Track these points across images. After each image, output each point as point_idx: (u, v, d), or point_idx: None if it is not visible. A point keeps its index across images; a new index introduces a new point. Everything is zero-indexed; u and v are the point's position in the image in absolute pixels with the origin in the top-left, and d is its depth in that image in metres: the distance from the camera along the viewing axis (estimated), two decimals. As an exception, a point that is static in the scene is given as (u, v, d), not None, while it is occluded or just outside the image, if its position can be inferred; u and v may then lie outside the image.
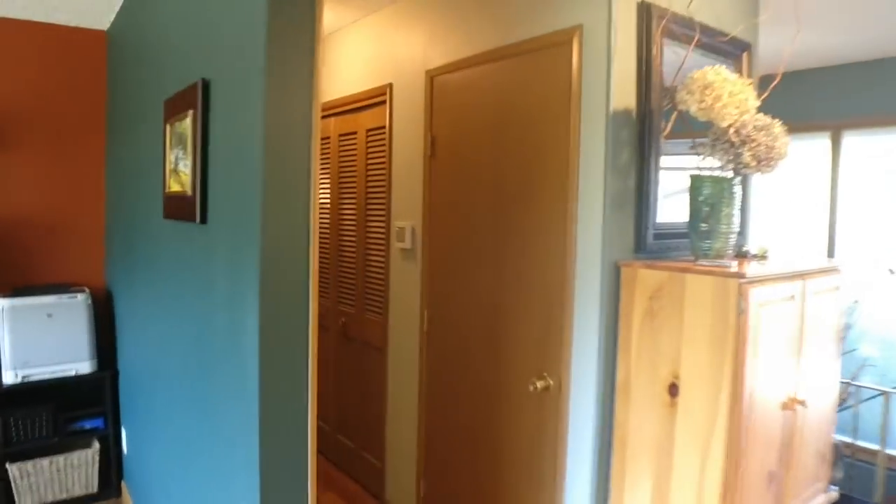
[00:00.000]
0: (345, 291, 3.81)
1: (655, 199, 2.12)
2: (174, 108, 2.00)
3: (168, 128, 2.07)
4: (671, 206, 2.20)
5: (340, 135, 3.77)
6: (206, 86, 1.78)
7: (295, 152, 1.41)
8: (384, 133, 3.29)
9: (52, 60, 3.65)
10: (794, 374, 2.03)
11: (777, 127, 1.89)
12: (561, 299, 2.20)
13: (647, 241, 2.11)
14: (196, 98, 1.77)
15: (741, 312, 1.75)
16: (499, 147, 2.48)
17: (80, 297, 3.47)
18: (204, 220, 1.79)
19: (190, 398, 2.15)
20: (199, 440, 2.07)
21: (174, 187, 2.01)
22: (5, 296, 3.33)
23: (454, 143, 2.74)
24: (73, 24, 3.69)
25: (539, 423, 2.32)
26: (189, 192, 1.84)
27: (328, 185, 3.92)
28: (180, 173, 1.92)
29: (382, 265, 3.36)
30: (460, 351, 2.73)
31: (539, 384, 2.26)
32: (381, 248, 3.38)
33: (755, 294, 1.78)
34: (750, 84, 1.86)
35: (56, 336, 3.44)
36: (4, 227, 3.59)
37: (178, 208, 1.99)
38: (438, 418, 2.90)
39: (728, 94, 1.78)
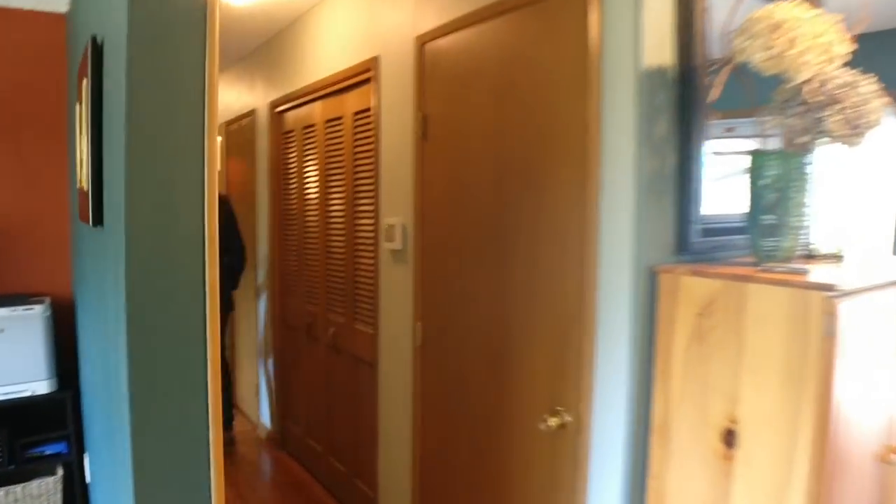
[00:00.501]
0: (334, 298, 3.36)
1: (702, 184, 1.63)
2: (79, 81, 1.55)
3: (78, 107, 1.62)
4: (722, 193, 1.72)
5: (327, 121, 3.32)
6: (97, 47, 1.32)
7: (178, 137, 0.97)
8: (372, 115, 2.83)
9: (6, 49, 3.25)
10: (892, 414, 1.54)
11: (866, 84, 1.40)
12: (580, 314, 1.73)
13: (692, 240, 1.62)
14: (87, 63, 1.32)
15: (829, 335, 1.27)
16: (502, 123, 2.01)
17: (37, 309, 3.06)
18: (99, 221, 1.34)
19: (105, 426, 1.73)
20: (111, 473, 1.66)
21: (82, 181, 1.57)
22: (-42, 308, 2.94)
23: (449, 122, 2.28)
24: (27, 6, 3.28)
25: (553, 470, 1.85)
26: (87, 186, 1.40)
27: (316, 179, 3.48)
28: (84, 164, 1.47)
29: (372, 269, 2.91)
30: (458, 373, 2.27)
31: (552, 421, 1.79)
32: (371, 249, 2.92)
33: (846, 310, 1.29)
34: (837, 22, 1.36)
35: (8, 353, 3.04)
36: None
37: (82, 207, 1.54)
38: (435, 449, 2.44)
39: (808, 35, 1.29)
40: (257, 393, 4.56)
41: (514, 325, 1.98)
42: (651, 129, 1.61)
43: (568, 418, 1.78)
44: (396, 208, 2.65)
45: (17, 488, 3.11)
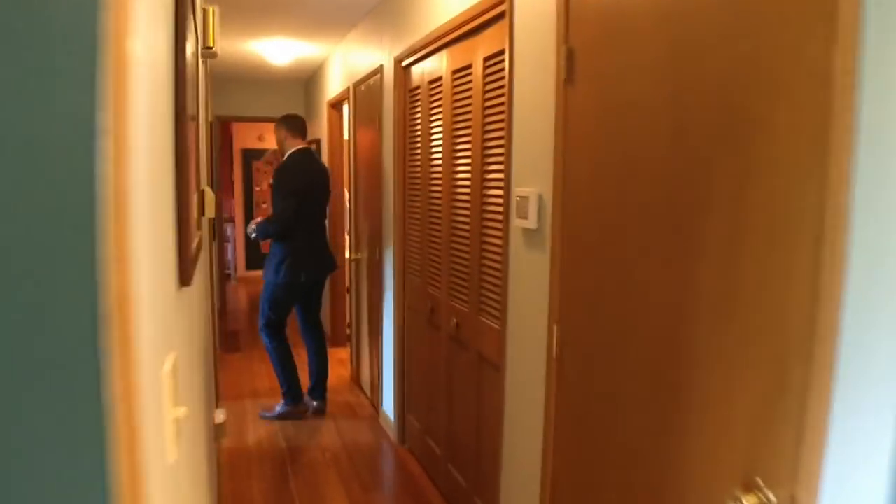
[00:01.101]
0: (458, 283, 2.87)
1: None
2: None
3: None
4: None
5: (454, 72, 2.80)
6: None
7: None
8: (505, 58, 2.27)
9: None
10: None
11: None
12: (809, 342, 1.09)
13: None
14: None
15: None
16: (682, 46, 1.38)
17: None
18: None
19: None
20: None
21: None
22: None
23: (603, 55, 1.67)
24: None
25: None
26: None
27: (440, 141, 2.98)
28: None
29: (501, 252, 2.37)
30: (607, 399, 1.69)
31: (749, 501, 1.17)
32: (500, 227, 2.39)
33: None
34: None
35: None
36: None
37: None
38: (571, 486, 1.89)
39: None
40: (380, 376, 4.22)
41: (694, 347, 1.36)
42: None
43: (773, 499, 1.16)
44: (531, 176, 2.09)
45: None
